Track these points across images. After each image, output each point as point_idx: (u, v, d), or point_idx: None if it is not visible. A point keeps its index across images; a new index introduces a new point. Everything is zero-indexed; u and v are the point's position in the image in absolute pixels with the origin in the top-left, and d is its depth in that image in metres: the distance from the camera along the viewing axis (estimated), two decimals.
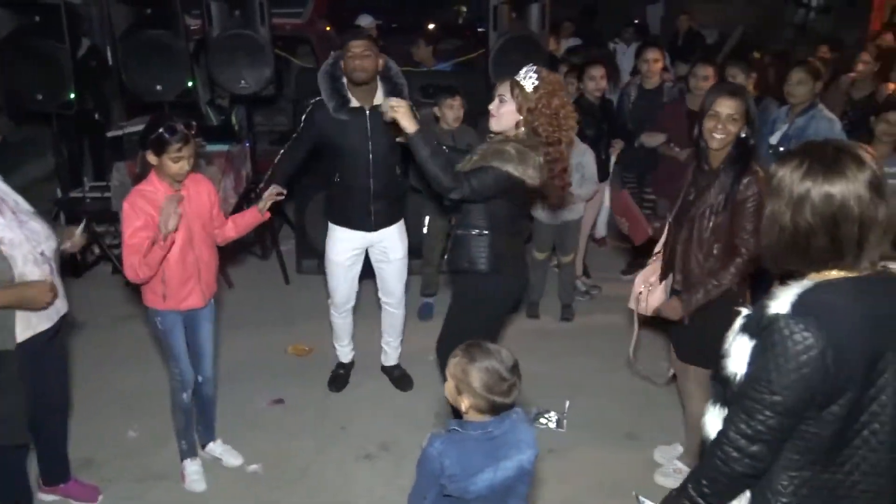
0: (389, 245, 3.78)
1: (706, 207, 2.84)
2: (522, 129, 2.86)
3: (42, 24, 4.93)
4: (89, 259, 5.64)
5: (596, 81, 4.83)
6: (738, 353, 1.61)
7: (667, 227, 3.13)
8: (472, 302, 3.09)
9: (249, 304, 5.10)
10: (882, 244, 1.57)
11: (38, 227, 2.73)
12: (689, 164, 3.12)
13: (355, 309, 4.01)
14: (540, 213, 4.49)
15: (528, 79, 2.82)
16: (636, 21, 11.31)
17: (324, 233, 3.86)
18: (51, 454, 3.11)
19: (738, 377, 1.61)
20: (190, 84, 4.99)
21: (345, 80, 3.53)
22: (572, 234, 4.78)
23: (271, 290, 5.36)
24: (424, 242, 4.68)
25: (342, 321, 3.97)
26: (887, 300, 1.57)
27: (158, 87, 4.88)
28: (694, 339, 2.94)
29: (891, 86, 5.06)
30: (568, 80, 4.93)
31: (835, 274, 1.58)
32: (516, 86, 2.83)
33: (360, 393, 4.02)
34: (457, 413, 2.00)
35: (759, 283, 2.90)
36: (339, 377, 4.07)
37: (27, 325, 2.68)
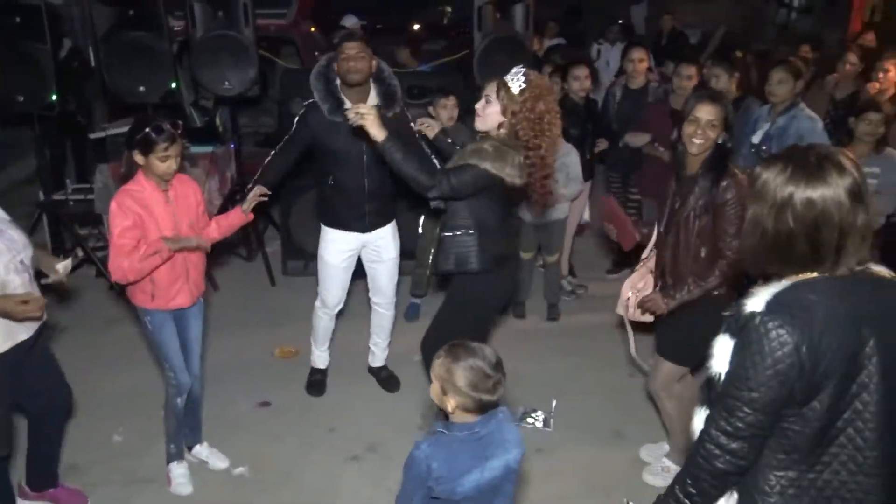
0: (383, 245, 3.78)
1: (689, 212, 2.86)
2: (504, 130, 2.86)
3: (23, 25, 4.88)
4: (72, 262, 5.59)
5: (580, 81, 4.84)
6: (721, 352, 1.64)
7: (655, 236, 3.15)
8: (462, 302, 3.09)
9: (235, 306, 5.07)
10: (861, 250, 1.59)
11: (17, 235, 2.73)
12: (673, 168, 3.13)
13: (342, 311, 4.00)
14: (525, 214, 4.50)
15: (516, 81, 2.82)
16: (620, 21, 11.35)
17: (310, 234, 3.85)
18: (44, 460, 3.08)
19: (721, 377, 1.63)
20: (173, 85, 4.95)
21: (338, 81, 3.52)
22: (557, 233, 4.79)
23: (257, 292, 5.34)
24: (418, 243, 4.67)
25: (328, 323, 3.95)
26: (865, 298, 1.59)
27: (141, 89, 4.84)
28: (681, 341, 2.97)
29: (874, 85, 5.10)
30: (552, 80, 4.94)
31: (812, 275, 1.60)
32: (503, 87, 2.84)
33: (346, 394, 4.01)
34: (444, 415, 2.00)
35: (745, 287, 2.92)
36: (318, 383, 4.05)
37: (7, 336, 2.67)
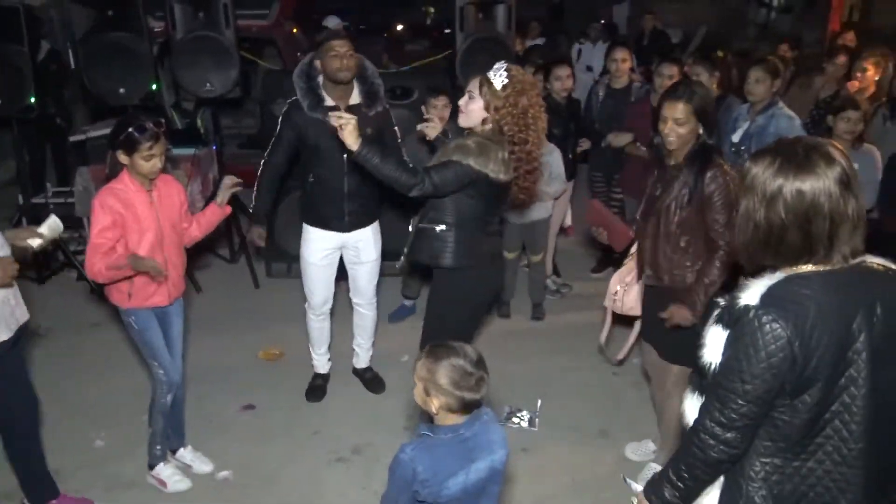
0: (363, 246, 3.77)
1: (671, 201, 2.86)
2: (489, 126, 2.86)
3: (0, 28, 4.82)
4: (53, 265, 5.54)
5: (562, 81, 4.85)
6: (713, 343, 1.67)
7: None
8: (441, 300, 3.08)
9: (218, 308, 5.04)
10: (853, 239, 1.61)
11: None
12: (653, 160, 3.14)
13: (330, 313, 3.98)
14: (509, 213, 4.51)
15: (498, 76, 2.82)
16: (602, 21, 11.41)
17: (293, 236, 3.83)
18: (30, 471, 3.02)
19: (713, 366, 1.66)
20: (154, 87, 4.91)
21: (320, 79, 3.51)
22: (541, 233, 4.80)
23: (241, 295, 5.31)
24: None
25: (320, 325, 3.93)
26: (858, 292, 1.61)
27: (121, 91, 4.79)
28: (678, 338, 2.93)
29: (854, 84, 5.16)
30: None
31: (806, 268, 1.62)
32: (485, 83, 2.83)
33: (331, 397, 3.99)
34: (428, 417, 1.99)
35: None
36: (318, 388, 4.01)
37: None
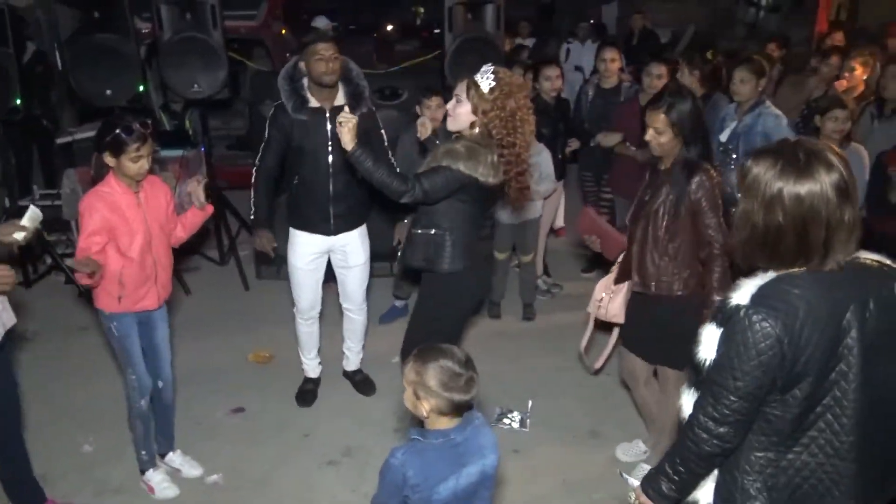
0: (350, 250, 3.75)
1: (659, 205, 2.87)
2: (477, 129, 2.85)
3: None
4: (40, 269, 5.50)
5: (552, 81, 4.85)
6: (708, 340, 1.71)
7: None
8: (434, 303, 3.07)
9: (208, 310, 5.02)
10: (848, 246, 1.63)
11: None
12: (647, 164, 3.14)
13: (319, 316, 3.96)
14: (499, 213, 4.50)
15: (486, 79, 2.81)
16: (592, 21, 11.43)
17: (284, 238, 3.81)
18: (17, 477, 2.98)
19: (706, 362, 1.71)
20: (141, 88, 4.88)
21: (304, 80, 3.50)
22: (531, 233, 4.80)
23: (230, 297, 5.28)
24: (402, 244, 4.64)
25: (308, 329, 3.91)
26: (850, 289, 1.63)
27: (108, 92, 4.76)
28: (682, 347, 2.91)
29: (842, 83, 5.18)
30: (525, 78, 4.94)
31: (799, 269, 1.65)
32: (472, 86, 2.82)
33: (322, 399, 3.97)
34: (420, 422, 1.98)
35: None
36: (308, 392, 3.98)
37: None
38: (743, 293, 1.64)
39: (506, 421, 3.75)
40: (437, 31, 5.71)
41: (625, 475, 2.21)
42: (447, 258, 2.93)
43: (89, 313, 4.60)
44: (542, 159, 4.55)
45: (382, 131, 3.76)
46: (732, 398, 1.63)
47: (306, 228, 3.67)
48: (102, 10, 4.71)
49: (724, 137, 4.19)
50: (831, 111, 3.89)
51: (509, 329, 4.82)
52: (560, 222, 5.62)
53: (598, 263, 5.41)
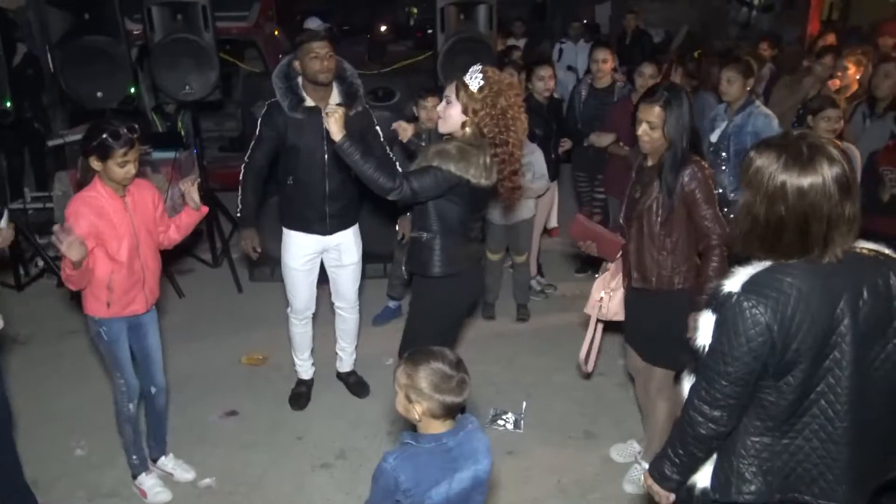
0: (344, 249, 3.74)
1: (652, 201, 2.85)
2: (468, 129, 2.84)
3: None
4: (32, 272, 5.47)
5: (545, 81, 4.84)
6: (704, 326, 1.76)
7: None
8: (427, 306, 3.06)
9: (201, 313, 5.00)
10: (847, 241, 1.65)
11: None
12: (635, 162, 3.13)
13: (313, 317, 3.95)
14: (492, 214, 4.49)
15: (474, 79, 2.80)
16: (585, 21, 11.44)
17: (276, 239, 3.80)
18: (8, 484, 2.94)
19: (704, 348, 1.76)
20: (132, 90, 4.86)
21: (299, 79, 3.48)
22: (525, 233, 4.79)
23: (223, 299, 5.26)
24: (396, 244, 4.63)
25: (302, 330, 3.89)
26: (844, 277, 1.66)
27: (99, 94, 4.74)
28: (669, 344, 2.89)
29: (835, 83, 5.19)
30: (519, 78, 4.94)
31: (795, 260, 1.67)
32: (462, 86, 2.82)
33: (315, 401, 3.96)
34: (413, 426, 1.97)
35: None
36: (301, 395, 3.96)
37: None
38: (735, 280, 1.68)
39: (500, 422, 3.74)
40: (430, 31, 5.70)
41: (639, 458, 2.25)
42: (437, 262, 2.92)
43: (81, 316, 4.55)
44: (535, 159, 4.55)
45: (378, 128, 3.74)
46: (724, 382, 1.68)
47: (301, 228, 3.65)
48: (93, 12, 4.69)
49: (714, 138, 4.20)
50: (823, 111, 3.90)
51: (503, 330, 4.81)
52: (553, 222, 5.61)
53: (591, 264, 5.41)
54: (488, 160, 2.81)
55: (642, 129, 2.85)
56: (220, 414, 3.85)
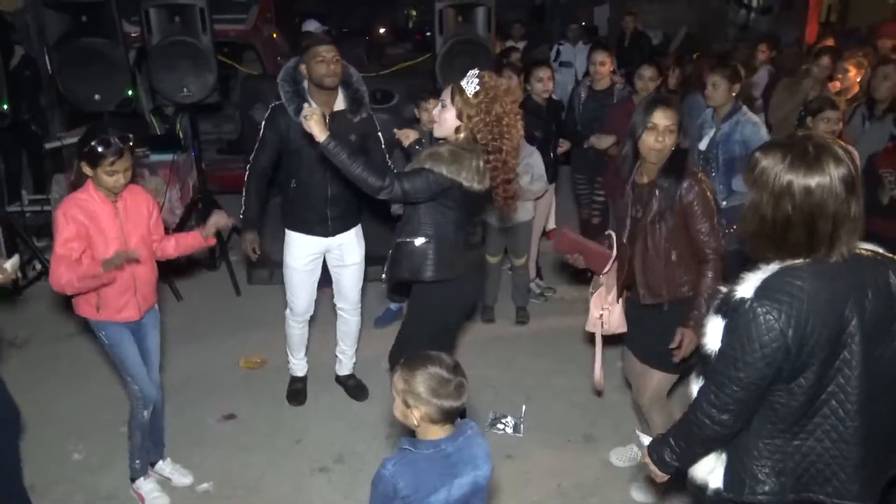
0: (347, 249, 3.74)
1: (653, 216, 2.83)
2: (462, 135, 2.83)
3: None
4: (30, 275, 5.45)
5: (543, 83, 4.83)
6: (713, 331, 1.76)
7: (615, 246, 3.02)
8: (421, 310, 3.05)
9: (199, 316, 4.98)
10: (852, 240, 1.68)
11: None
12: (626, 178, 3.04)
13: (311, 319, 3.94)
14: (491, 217, 4.48)
15: (470, 84, 2.79)
16: (583, 23, 11.44)
17: (275, 242, 3.80)
18: (7, 488, 2.92)
19: (713, 354, 1.77)
20: (129, 93, 4.84)
21: (305, 83, 3.47)
22: (524, 236, 4.78)
23: (222, 302, 5.24)
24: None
25: (300, 331, 3.89)
26: (849, 279, 1.67)
27: (97, 97, 4.72)
28: (660, 345, 2.88)
29: (835, 84, 5.19)
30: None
31: (802, 261, 1.69)
32: (457, 91, 2.81)
33: (314, 405, 3.95)
34: (412, 432, 1.96)
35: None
36: (298, 391, 3.97)
37: None
38: (747, 286, 1.68)
39: (499, 426, 3.72)
40: (428, 33, 5.70)
41: (638, 432, 2.25)
42: (431, 267, 2.90)
43: (79, 319, 4.56)
44: (533, 160, 4.54)
45: (380, 134, 3.74)
46: (735, 388, 1.69)
47: (304, 230, 3.65)
48: (90, 14, 4.67)
49: (703, 146, 4.16)
50: (823, 112, 3.89)
51: (502, 333, 4.79)
52: (552, 225, 5.60)
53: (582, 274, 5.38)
54: (481, 164, 2.80)
55: (660, 136, 2.74)
56: (218, 417, 3.84)
